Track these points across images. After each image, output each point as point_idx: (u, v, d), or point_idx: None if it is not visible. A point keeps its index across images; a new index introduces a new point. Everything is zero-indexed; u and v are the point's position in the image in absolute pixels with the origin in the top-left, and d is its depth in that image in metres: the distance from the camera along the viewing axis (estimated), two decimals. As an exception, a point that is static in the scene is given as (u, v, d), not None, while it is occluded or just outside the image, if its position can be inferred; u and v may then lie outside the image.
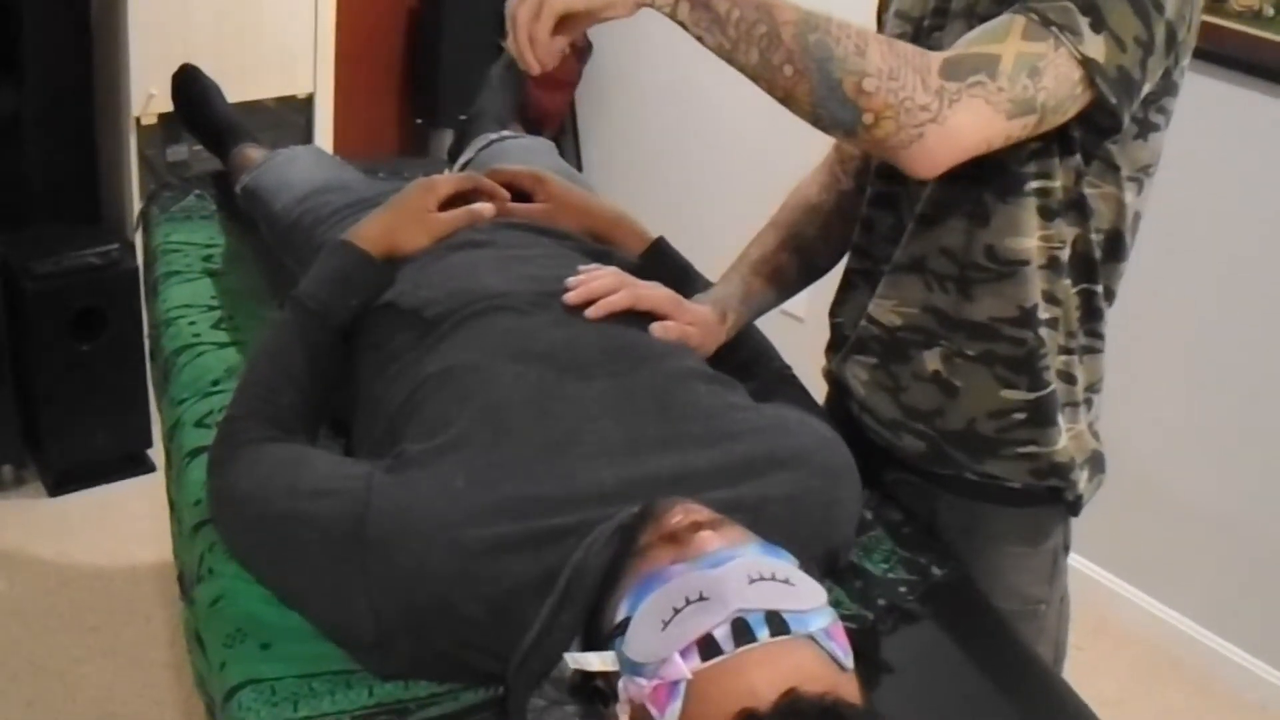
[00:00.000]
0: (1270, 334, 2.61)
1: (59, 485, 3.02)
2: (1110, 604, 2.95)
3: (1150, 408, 2.78)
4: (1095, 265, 1.38)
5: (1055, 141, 1.30)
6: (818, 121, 1.19)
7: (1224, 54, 2.45)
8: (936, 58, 1.18)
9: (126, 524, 2.93)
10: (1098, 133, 1.28)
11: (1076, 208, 1.34)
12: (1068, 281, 1.37)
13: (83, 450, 3.00)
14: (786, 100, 1.18)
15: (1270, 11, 2.45)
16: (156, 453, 3.05)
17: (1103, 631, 2.88)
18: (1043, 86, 1.18)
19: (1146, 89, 1.26)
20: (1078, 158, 1.31)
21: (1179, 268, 2.67)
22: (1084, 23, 1.18)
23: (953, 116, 1.16)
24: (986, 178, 1.32)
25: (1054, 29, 1.18)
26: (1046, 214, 1.33)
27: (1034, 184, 1.32)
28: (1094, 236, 1.36)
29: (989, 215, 1.34)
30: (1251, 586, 2.74)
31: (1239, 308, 2.65)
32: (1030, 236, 1.33)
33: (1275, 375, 2.61)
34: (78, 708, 2.42)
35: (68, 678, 2.49)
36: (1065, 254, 1.36)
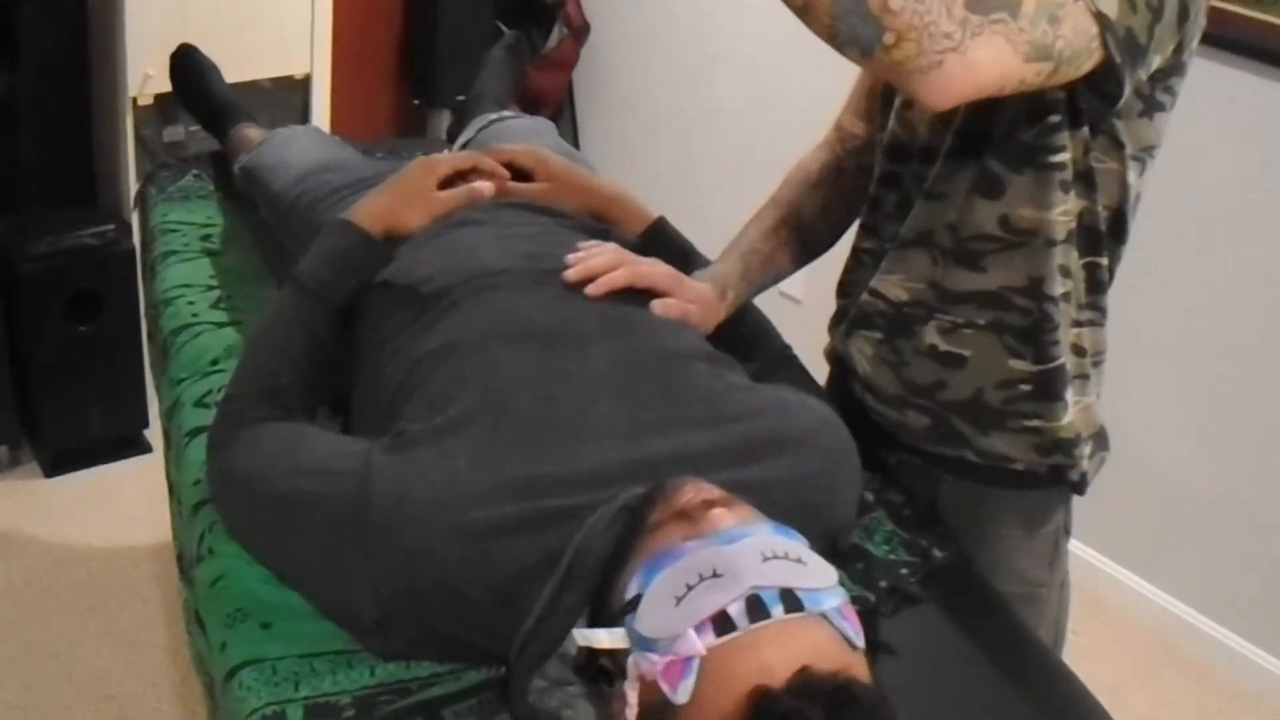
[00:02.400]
0: (1269, 319, 2.61)
1: (55, 467, 3.02)
2: (1107, 589, 2.95)
3: (1149, 393, 2.78)
4: (1101, 238, 1.38)
5: (1064, 114, 1.29)
6: (834, 37, 1.14)
7: (1226, 37, 2.44)
8: None
9: (123, 505, 2.93)
10: (1101, 98, 1.27)
11: (1085, 180, 1.34)
12: (1076, 254, 1.38)
13: (79, 432, 3.01)
14: (804, 11, 1.14)
15: (1272, -6, 2.44)
16: (153, 434, 3.05)
17: (1100, 617, 2.88)
18: (1061, 35, 1.16)
19: (1156, 61, 1.25)
20: (1085, 130, 1.31)
21: (1179, 251, 2.66)
22: None
23: (974, 48, 1.13)
24: (998, 150, 1.32)
25: None
26: (1065, 187, 1.33)
27: (1052, 157, 1.31)
28: (1100, 210, 1.36)
29: (1003, 187, 1.34)
30: (1249, 573, 2.74)
31: (1240, 292, 2.65)
32: (1051, 210, 1.33)
33: (1274, 361, 2.61)
34: (74, 689, 2.42)
35: (64, 659, 2.49)
36: (1074, 226, 1.36)
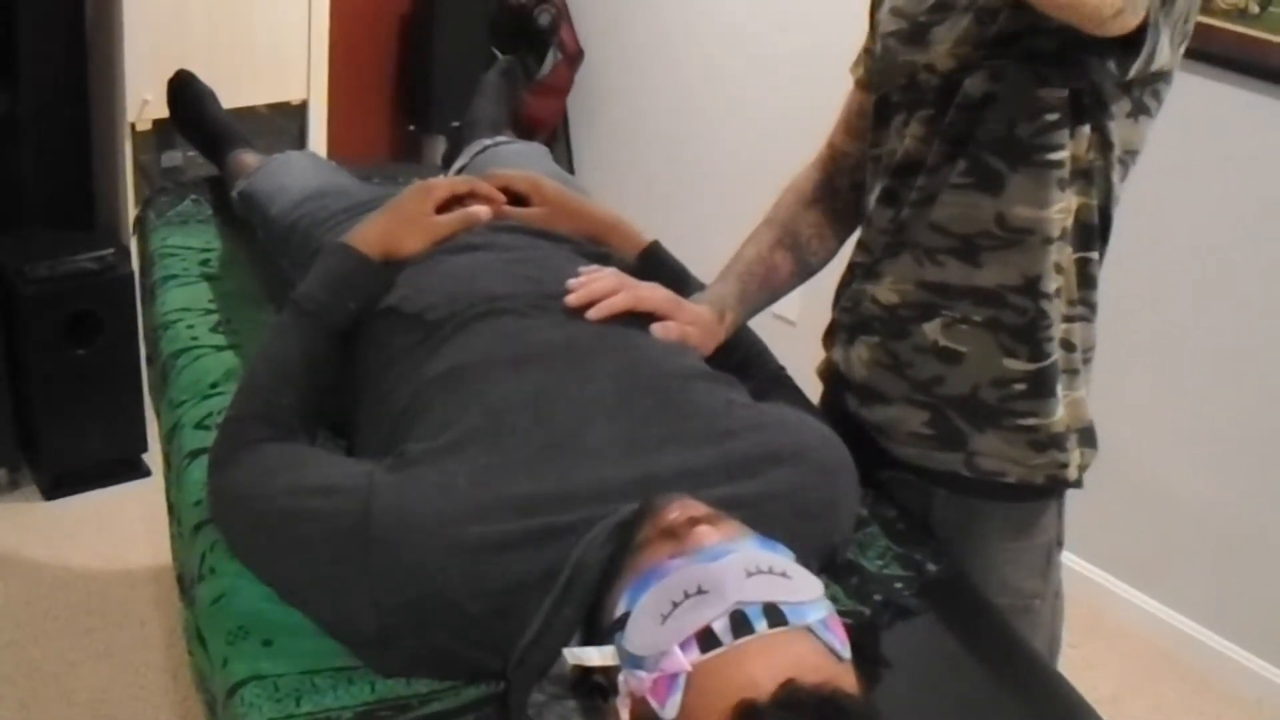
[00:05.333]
0: (1259, 329, 2.63)
1: (54, 489, 3.03)
2: (1104, 601, 2.96)
3: (1143, 405, 2.79)
4: (1094, 233, 1.40)
5: (1066, 111, 1.31)
6: None
7: (1211, 52, 2.47)
8: None
9: (122, 528, 2.93)
10: (1119, 65, 1.25)
11: (1084, 176, 1.36)
12: (1070, 250, 1.40)
13: (78, 454, 3.01)
14: None
15: (1256, 9, 2.47)
16: (151, 457, 3.06)
17: (1097, 629, 2.89)
18: None
19: (1156, 51, 1.25)
20: (1086, 128, 1.33)
21: (1168, 263, 2.69)
22: None
23: None
24: (995, 148, 1.34)
25: None
26: (1062, 185, 1.35)
27: (1051, 155, 1.33)
28: (1095, 206, 1.38)
29: (1000, 185, 1.36)
30: (1246, 583, 2.76)
31: (1229, 303, 2.67)
32: (1049, 207, 1.35)
33: (1268, 371, 2.63)
34: (72, 710, 2.42)
35: (63, 680, 2.49)
36: (1070, 223, 1.38)
